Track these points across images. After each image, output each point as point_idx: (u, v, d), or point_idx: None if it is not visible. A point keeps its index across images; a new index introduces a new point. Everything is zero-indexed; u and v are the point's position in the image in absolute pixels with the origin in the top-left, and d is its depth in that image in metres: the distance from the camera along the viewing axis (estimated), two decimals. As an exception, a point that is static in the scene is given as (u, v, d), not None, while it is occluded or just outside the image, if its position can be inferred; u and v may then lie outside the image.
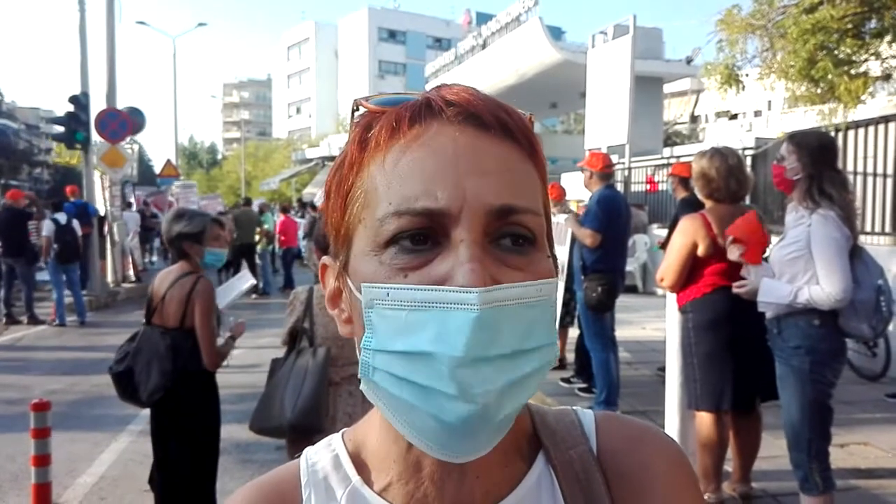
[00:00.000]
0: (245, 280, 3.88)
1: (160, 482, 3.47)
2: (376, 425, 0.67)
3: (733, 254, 3.42)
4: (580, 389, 6.23)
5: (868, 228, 7.66)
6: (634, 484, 0.66)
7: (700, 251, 3.71)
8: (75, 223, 11.36)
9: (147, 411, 3.53)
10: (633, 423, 0.72)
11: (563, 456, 0.67)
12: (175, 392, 3.28)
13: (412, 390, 0.55)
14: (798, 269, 3.14)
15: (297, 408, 2.97)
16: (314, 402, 2.97)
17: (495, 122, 0.58)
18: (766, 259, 3.49)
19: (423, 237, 0.56)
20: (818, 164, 3.18)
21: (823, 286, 3.03)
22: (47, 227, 10.94)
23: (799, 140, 3.28)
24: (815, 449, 3.18)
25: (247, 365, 7.04)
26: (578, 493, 0.65)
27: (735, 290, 3.41)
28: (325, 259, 0.67)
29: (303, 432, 2.96)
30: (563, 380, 6.38)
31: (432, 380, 0.53)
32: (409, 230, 0.56)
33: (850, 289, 3.01)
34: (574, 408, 0.74)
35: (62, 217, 11.12)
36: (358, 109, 0.63)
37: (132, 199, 19.41)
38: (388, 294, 0.55)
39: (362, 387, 0.59)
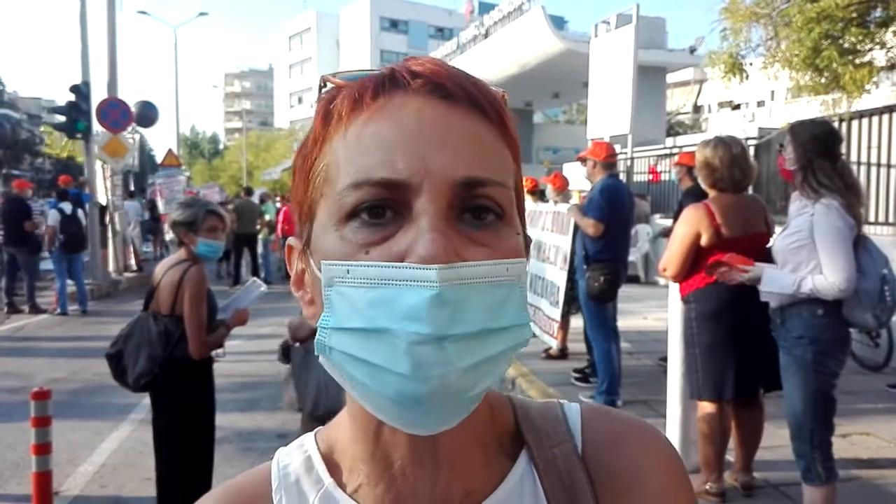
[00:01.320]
0: (256, 288, 3.83)
1: (157, 469, 3.49)
2: (346, 424, 0.65)
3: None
4: (577, 379, 6.22)
5: (871, 218, 7.62)
6: (620, 482, 0.64)
7: (703, 241, 3.69)
8: (80, 213, 11.36)
9: (149, 400, 3.55)
10: (620, 418, 0.69)
11: (546, 454, 0.65)
12: (164, 378, 3.29)
13: (365, 369, 0.53)
14: (801, 259, 3.11)
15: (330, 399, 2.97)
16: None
17: (462, 93, 0.55)
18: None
19: (382, 209, 0.54)
20: (809, 154, 3.16)
21: (827, 276, 3.01)
22: (52, 217, 10.96)
23: (795, 130, 3.27)
24: (817, 439, 3.17)
25: (248, 352, 7.03)
26: (561, 493, 0.63)
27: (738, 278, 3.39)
28: (291, 240, 0.64)
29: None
30: (576, 370, 6.35)
31: (387, 358, 0.51)
32: (369, 202, 0.53)
33: (853, 278, 2.99)
34: (560, 401, 0.71)
35: (67, 207, 11.14)
36: (325, 86, 0.60)
37: (134, 189, 19.38)
38: (348, 272, 0.53)
39: (322, 362, 0.57)
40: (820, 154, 3.16)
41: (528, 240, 0.63)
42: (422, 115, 0.54)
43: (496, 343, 0.54)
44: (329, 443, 0.67)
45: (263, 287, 3.86)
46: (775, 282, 3.18)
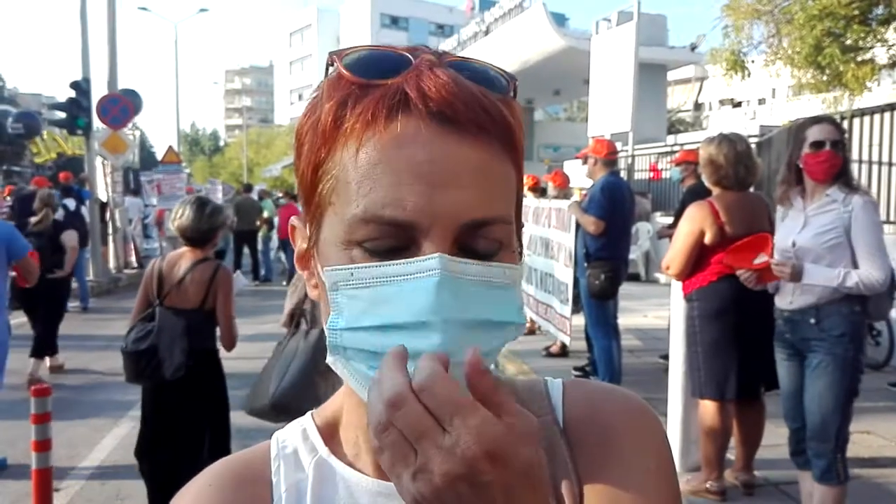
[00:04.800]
0: (239, 281, 3.97)
1: (159, 462, 3.52)
2: (343, 398, 0.69)
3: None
4: (577, 377, 6.19)
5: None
6: (598, 447, 0.66)
7: (707, 239, 3.67)
8: (84, 209, 11.35)
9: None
10: (598, 388, 0.72)
11: None
12: (196, 370, 3.46)
13: (377, 363, 0.55)
14: (837, 256, 3.07)
15: (279, 388, 3.00)
16: (298, 383, 2.98)
17: (473, 122, 0.56)
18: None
19: (389, 248, 0.56)
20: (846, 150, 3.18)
21: (871, 271, 2.98)
22: (56, 213, 10.95)
23: (841, 127, 3.23)
24: (842, 438, 3.14)
25: (249, 350, 7.02)
26: None
27: (777, 272, 3.19)
28: (294, 220, 0.67)
29: (284, 412, 2.97)
30: (577, 368, 6.34)
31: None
32: (376, 238, 0.56)
33: (890, 272, 3.01)
34: (546, 377, 0.74)
35: (71, 203, 11.13)
36: (333, 65, 0.60)
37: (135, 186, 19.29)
38: (352, 274, 0.56)
39: (330, 361, 0.59)
40: None
41: (521, 248, 0.66)
42: (432, 149, 0.55)
43: (496, 338, 0.58)
44: (326, 418, 0.70)
45: (245, 281, 3.98)
46: (818, 275, 3.07)
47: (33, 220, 7.39)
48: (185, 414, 3.52)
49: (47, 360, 7.27)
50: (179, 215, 3.55)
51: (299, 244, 0.66)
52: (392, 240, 0.55)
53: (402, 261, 0.54)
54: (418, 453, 0.48)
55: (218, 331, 3.62)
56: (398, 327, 0.54)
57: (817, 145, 3.10)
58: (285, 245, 15.36)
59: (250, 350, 7.02)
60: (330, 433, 0.69)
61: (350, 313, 0.56)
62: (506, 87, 0.60)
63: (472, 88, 0.57)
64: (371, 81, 0.57)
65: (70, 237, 7.44)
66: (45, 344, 7.12)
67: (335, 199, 0.58)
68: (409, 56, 0.59)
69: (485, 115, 0.56)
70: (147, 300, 3.56)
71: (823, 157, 3.08)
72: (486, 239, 0.57)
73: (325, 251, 0.60)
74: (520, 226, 0.64)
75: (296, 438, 0.69)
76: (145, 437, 3.59)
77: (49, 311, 7.24)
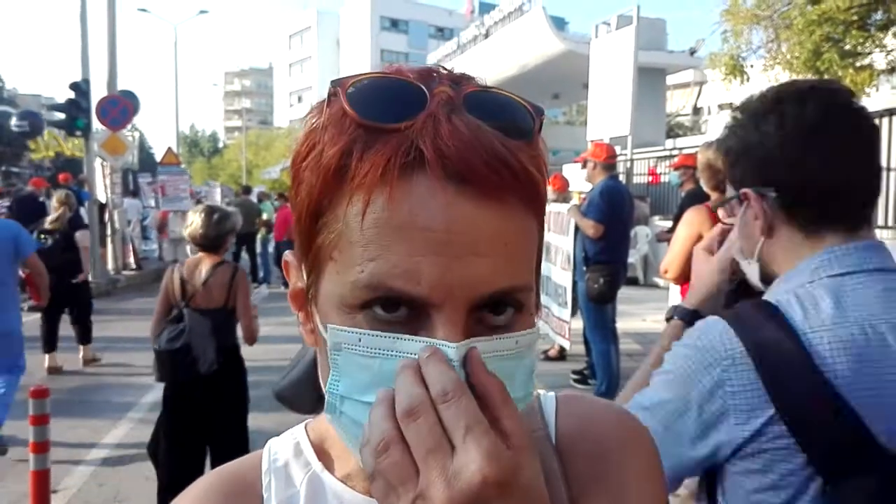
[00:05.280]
0: (261, 293, 4.23)
1: (179, 459, 3.66)
2: None
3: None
4: (575, 381, 6.22)
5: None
6: (591, 463, 0.66)
7: (704, 243, 3.68)
8: (82, 211, 11.35)
9: (148, 399, 3.60)
10: (591, 402, 0.72)
11: None
12: (225, 365, 3.74)
13: None
14: None
15: (284, 379, 3.06)
16: (301, 381, 3.03)
17: (494, 186, 0.51)
18: None
19: (397, 305, 0.52)
20: None
21: None
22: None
23: None
24: None
25: (247, 352, 7.03)
26: None
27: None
28: (289, 256, 0.63)
29: (286, 404, 3.06)
30: (576, 372, 6.35)
31: None
32: (382, 307, 0.52)
33: None
34: (540, 391, 0.73)
35: (71, 204, 11.17)
36: (336, 95, 0.54)
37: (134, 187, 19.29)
38: (359, 340, 0.52)
39: (327, 418, 0.57)
40: None
41: (539, 297, 0.64)
42: (449, 216, 0.50)
43: None
44: (319, 432, 0.69)
45: (266, 292, 4.24)
46: None
47: (49, 218, 7.46)
48: (212, 408, 3.73)
49: (52, 357, 7.29)
50: (190, 223, 3.82)
51: (293, 281, 0.62)
52: (400, 311, 0.52)
53: (416, 338, 0.51)
54: (420, 475, 0.46)
55: (239, 328, 3.88)
56: None
57: None
58: (280, 248, 15.33)
59: (249, 352, 7.02)
60: (323, 448, 0.68)
61: (352, 382, 0.53)
62: (531, 128, 0.55)
63: (494, 142, 0.51)
64: (379, 125, 0.52)
65: (84, 236, 7.50)
66: (85, 336, 7.74)
67: (337, 256, 0.54)
68: (424, 89, 0.53)
69: (507, 174, 0.51)
70: (168, 305, 3.79)
71: None
72: (503, 305, 0.54)
73: (324, 307, 0.56)
74: (539, 276, 0.61)
75: (288, 452, 0.69)
76: (167, 435, 3.72)
77: (80, 310, 7.76)
